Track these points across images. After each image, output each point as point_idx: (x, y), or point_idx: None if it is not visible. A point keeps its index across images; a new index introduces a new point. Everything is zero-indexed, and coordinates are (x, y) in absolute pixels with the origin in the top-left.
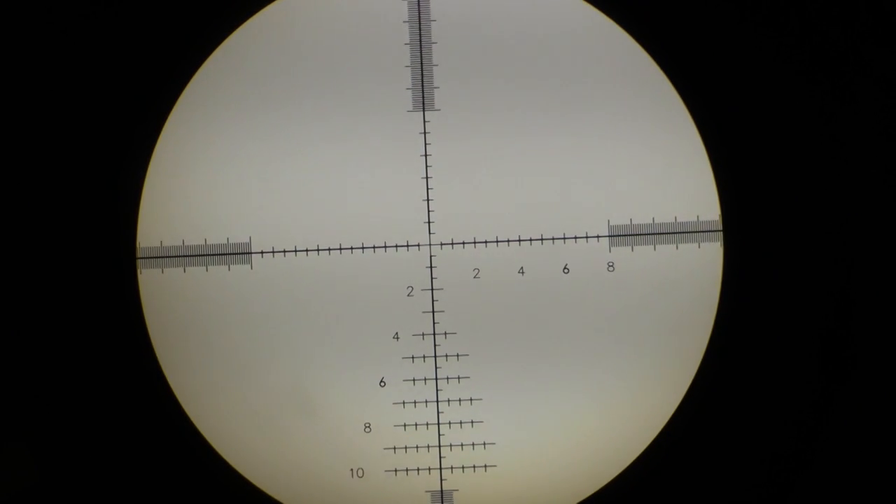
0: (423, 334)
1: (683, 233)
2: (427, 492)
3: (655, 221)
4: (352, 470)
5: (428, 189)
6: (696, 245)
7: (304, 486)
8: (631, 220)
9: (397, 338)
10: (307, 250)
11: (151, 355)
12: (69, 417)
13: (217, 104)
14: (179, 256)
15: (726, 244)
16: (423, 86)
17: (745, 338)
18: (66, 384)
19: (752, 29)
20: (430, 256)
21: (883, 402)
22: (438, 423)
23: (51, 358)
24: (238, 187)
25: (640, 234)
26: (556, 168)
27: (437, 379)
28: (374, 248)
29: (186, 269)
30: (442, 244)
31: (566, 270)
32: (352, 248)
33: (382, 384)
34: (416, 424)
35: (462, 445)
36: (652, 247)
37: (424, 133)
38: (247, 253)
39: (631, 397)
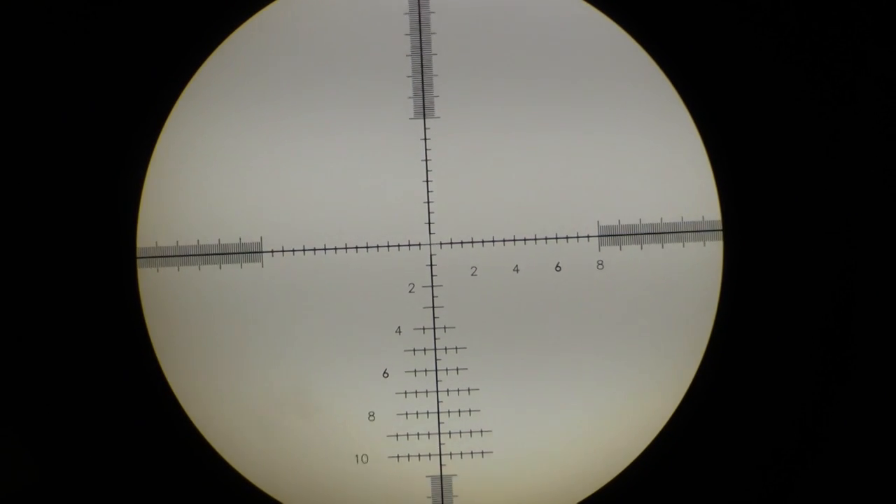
0: (423, 328)
1: (683, 232)
2: (427, 476)
3: (655, 221)
4: (356, 456)
5: (428, 192)
6: (696, 245)
7: (306, 483)
8: (630, 220)
9: (399, 332)
10: (315, 249)
11: (151, 355)
12: (69, 417)
13: (217, 104)
14: (179, 256)
15: (726, 244)
16: (423, 95)
17: (745, 338)
18: (66, 384)
19: (752, 29)
20: (431, 255)
21: (883, 402)
22: (438, 412)
23: (51, 358)
24: (239, 187)
25: (640, 234)
26: (555, 169)
27: (436, 370)
28: (377, 247)
29: (186, 268)
30: (441, 244)
31: (558, 268)
32: (357, 248)
33: (386, 375)
34: (417, 413)
35: (460, 433)
36: (650, 246)
37: (425, 139)
38: (254, 252)
39: (630, 397)
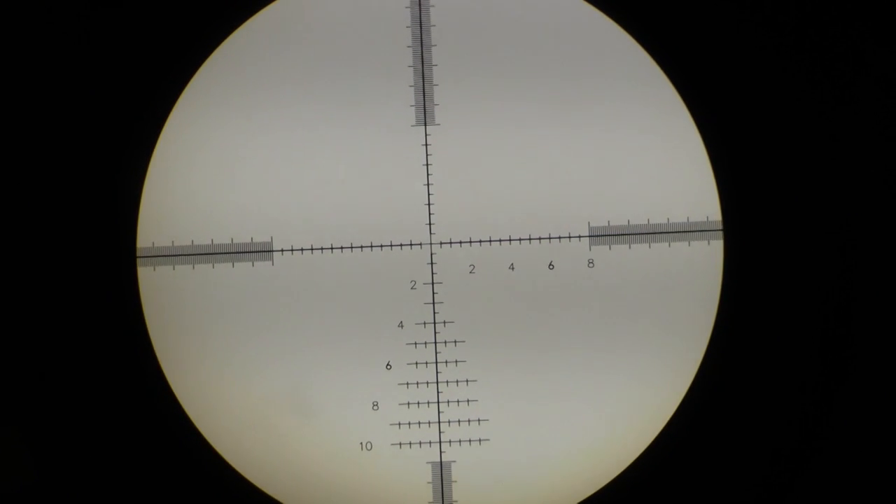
0: (424, 323)
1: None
2: (428, 463)
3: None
4: (361, 443)
5: (429, 195)
6: (696, 244)
7: (309, 474)
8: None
9: (402, 326)
10: (322, 248)
11: (151, 355)
12: (69, 417)
13: (217, 104)
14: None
15: (727, 244)
16: (424, 103)
17: (745, 338)
18: (66, 384)
19: (752, 29)
20: (431, 254)
21: (883, 402)
22: (438, 402)
23: (51, 358)
24: (239, 187)
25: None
26: (554, 170)
27: (437, 362)
28: (381, 246)
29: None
30: (441, 243)
31: (551, 266)
32: (361, 247)
33: (388, 367)
34: (418, 403)
35: (459, 422)
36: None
37: (426, 145)
38: (264, 251)
39: (630, 397)
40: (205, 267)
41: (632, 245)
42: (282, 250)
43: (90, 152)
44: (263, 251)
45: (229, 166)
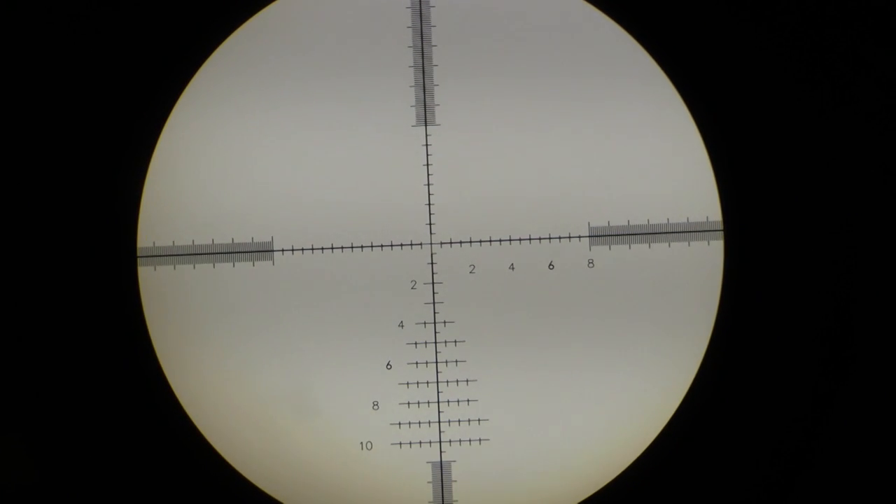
0: (424, 323)
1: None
2: (428, 462)
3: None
4: (361, 443)
5: (429, 195)
6: (696, 245)
7: (309, 474)
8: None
9: (402, 326)
10: (322, 248)
11: (151, 355)
12: (69, 417)
13: (218, 104)
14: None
15: (727, 244)
16: (424, 103)
17: (745, 338)
18: (66, 384)
19: (752, 29)
20: (431, 254)
21: (883, 402)
22: (438, 402)
23: (51, 358)
24: (240, 187)
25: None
26: (553, 170)
27: (437, 362)
28: (381, 246)
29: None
30: (441, 243)
31: (551, 267)
32: (361, 247)
33: (389, 367)
34: (418, 402)
35: (459, 421)
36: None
37: (426, 146)
38: (264, 251)
39: (630, 397)
40: (205, 267)
41: (632, 245)
42: (282, 250)
43: (90, 152)
44: (264, 251)
45: (230, 166)
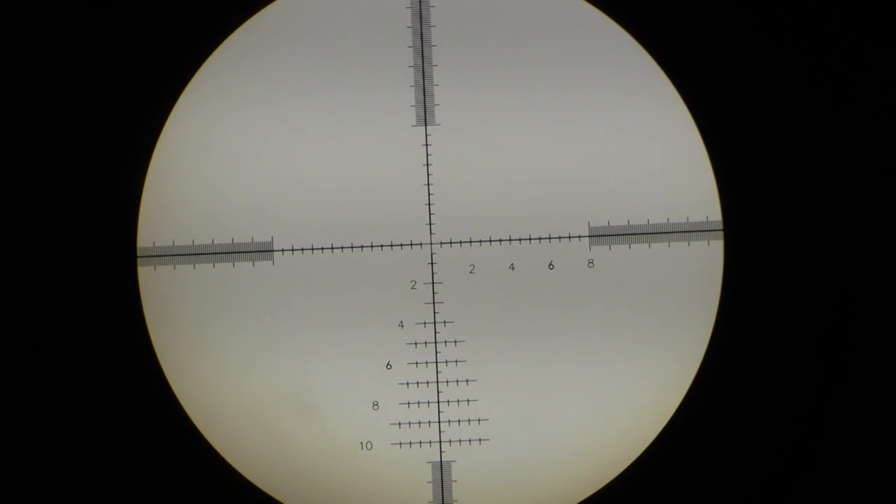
0: (424, 323)
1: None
2: (428, 462)
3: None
4: (361, 443)
5: (429, 195)
6: (695, 244)
7: (309, 474)
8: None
9: (402, 326)
10: (322, 248)
11: (151, 355)
12: (69, 417)
13: (217, 104)
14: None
15: (727, 244)
16: (424, 103)
17: (745, 338)
18: (66, 384)
19: (752, 29)
20: (431, 254)
21: (883, 402)
22: (438, 402)
23: (51, 358)
24: (240, 187)
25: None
26: (553, 170)
27: (437, 362)
28: (381, 246)
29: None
30: (441, 243)
31: (551, 266)
32: (362, 247)
33: (389, 367)
34: (418, 402)
35: (459, 421)
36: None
37: (426, 145)
38: (265, 251)
39: (630, 397)
40: (205, 266)
41: (632, 245)
42: (282, 250)
43: (90, 152)
44: (264, 251)
45: (229, 166)
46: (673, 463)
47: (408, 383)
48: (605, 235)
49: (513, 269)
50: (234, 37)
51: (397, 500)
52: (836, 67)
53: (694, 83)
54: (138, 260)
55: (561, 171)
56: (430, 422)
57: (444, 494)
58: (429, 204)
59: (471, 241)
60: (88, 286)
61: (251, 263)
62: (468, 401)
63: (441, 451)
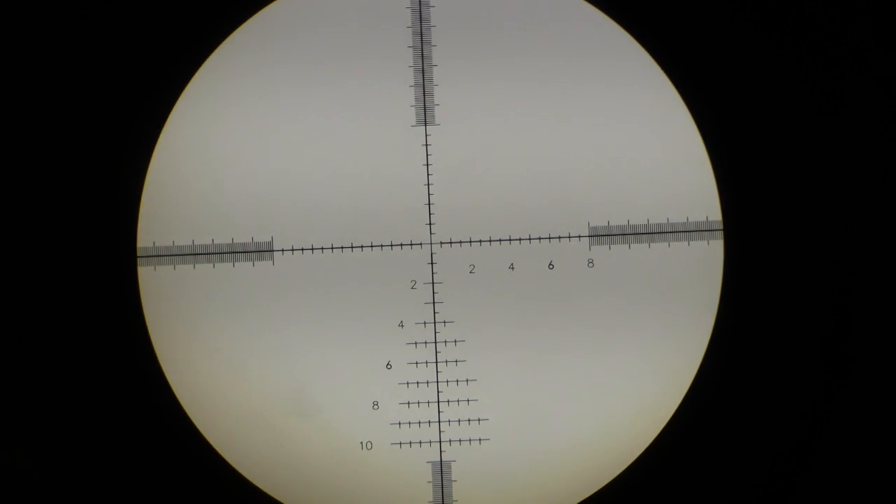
0: (424, 323)
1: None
2: (428, 462)
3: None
4: (361, 443)
5: (429, 195)
6: (696, 244)
7: (309, 475)
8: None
9: (402, 326)
10: (322, 248)
11: (151, 355)
12: (69, 417)
13: (217, 104)
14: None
15: (727, 244)
16: (424, 103)
17: (745, 338)
18: (66, 384)
19: (752, 29)
20: (431, 254)
21: (883, 402)
22: (438, 402)
23: (50, 358)
24: (239, 187)
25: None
26: (553, 170)
27: (437, 362)
28: (381, 246)
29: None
30: (441, 243)
31: (551, 266)
32: (361, 247)
33: (389, 367)
34: (418, 402)
35: (459, 421)
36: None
37: (426, 145)
38: (264, 251)
39: (630, 397)
40: (205, 266)
41: (631, 245)
42: (282, 250)
43: (90, 152)
44: (264, 251)
45: (229, 166)
46: (673, 463)
47: (408, 383)
48: (605, 235)
49: (513, 268)
50: (234, 37)
51: (397, 499)
52: (836, 67)
53: (694, 83)
54: (141, 260)
55: (560, 171)
56: (429, 422)
57: (444, 494)
58: (429, 204)
59: (471, 241)
60: (88, 286)
61: (251, 263)
62: (468, 401)
63: (441, 451)
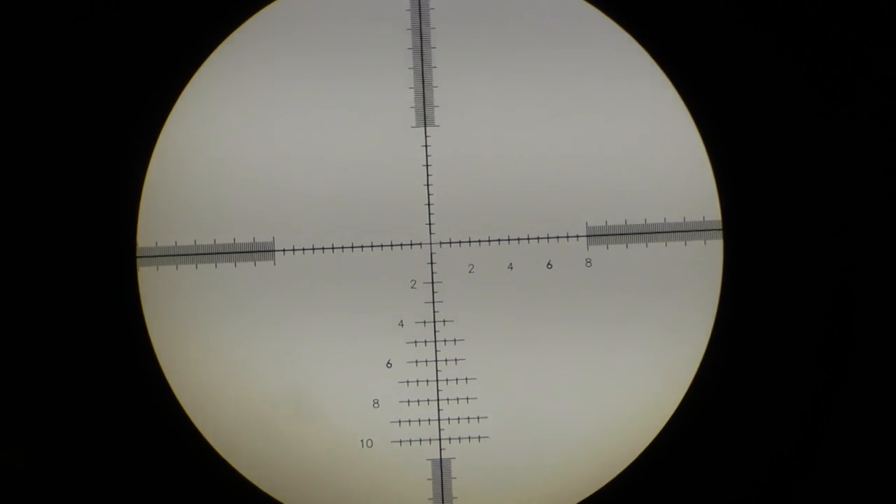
0: (424, 322)
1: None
2: (428, 460)
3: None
4: (362, 441)
5: (429, 195)
6: (693, 244)
7: (309, 473)
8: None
9: (402, 325)
10: (323, 248)
11: (151, 355)
12: (69, 417)
13: (217, 104)
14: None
15: (726, 244)
16: (424, 105)
17: (745, 337)
18: (66, 384)
19: (752, 29)
20: (431, 254)
21: (883, 402)
22: (438, 400)
23: (50, 357)
24: (242, 188)
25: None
26: (552, 170)
27: (436, 361)
28: (381, 246)
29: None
30: (441, 243)
31: (549, 266)
32: (362, 247)
33: (389, 365)
34: (418, 401)
35: (458, 419)
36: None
37: (426, 146)
38: (266, 251)
39: (629, 397)
40: (207, 266)
41: (629, 245)
42: (283, 250)
43: (90, 152)
44: (266, 251)
45: (229, 167)
46: (673, 463)
47: (408, 381)
48: (602, 235)
49: (511, 268)
50: (234, 37)
51: (398, 496)
52: (836, 67)
53: (694, 83)
54: (141, 260)
55: (559, 171)
56: (429, 419)
57: (444, 491)
58: (428, 204)
59: (470, 241)
60: (88, 286)
61: (253, 263)
62: (467, 399)
63: (441, 449)
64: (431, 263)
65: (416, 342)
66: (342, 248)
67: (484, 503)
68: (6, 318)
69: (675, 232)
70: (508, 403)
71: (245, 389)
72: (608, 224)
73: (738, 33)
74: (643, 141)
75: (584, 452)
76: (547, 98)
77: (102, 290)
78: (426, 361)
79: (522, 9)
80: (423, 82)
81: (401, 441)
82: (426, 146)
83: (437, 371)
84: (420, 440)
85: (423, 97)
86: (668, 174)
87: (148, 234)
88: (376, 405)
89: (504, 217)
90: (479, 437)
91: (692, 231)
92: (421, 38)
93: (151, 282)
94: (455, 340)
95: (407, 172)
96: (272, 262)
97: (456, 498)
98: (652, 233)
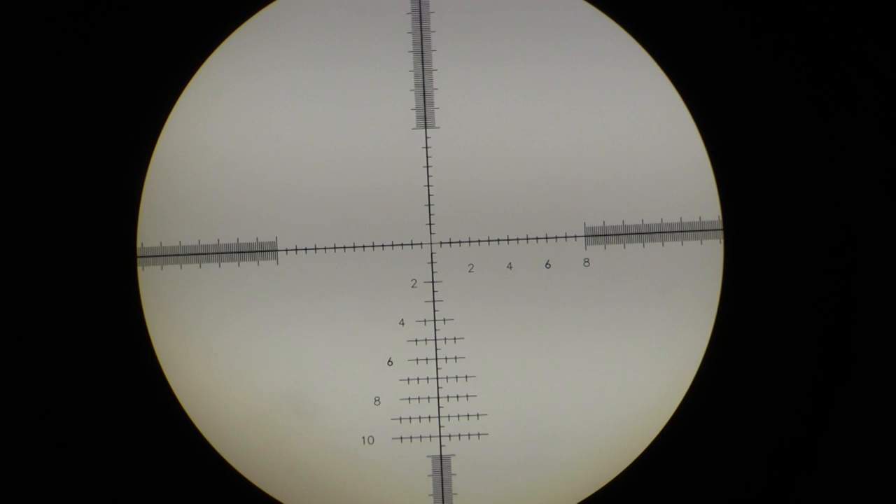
0: (425, 320)
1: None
2: (428, 456)
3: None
4: (363, 437)
5: (429, 196)
6: (689, 244)
7: (310, 470)
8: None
9: (403, 323)
10: (325, 248)
11: (151, 355)
12: (69, 417)
13: (217, 104)
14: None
15: (726, 244)
16: (424, 107)
17: (745, 337)
18: (67, 383)
19: (752, 29)
20: (431, 254)
21: (883, 402)
22: (438, 397)
23: (51, 358)
24: (245, 188)
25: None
26: (551, 171)
27: (437, 359)
28: (382, 246)
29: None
30: (441, 243)
31: (548, 266)
32: (363, 247)
33: (390, 363)
34: (418, 398)
35: (458, 416)
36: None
37: (426, 148)
38: (269, 251)
39: (629, 396)
40: (211, 266)
41: (627, 245)
42: (286, 250)
43: (90, 152)
44: (268, 251)
45: (229, 167)
46: (673, 463)
47: (408, 379)
48: (600, 235)
49: (510, 268)
50: (234, 37)
51: (398, 493)
52: (836, 67)
53: (694, 83)
54: (142, 260)
55: (558, 172)
56: (430, 417)
57: (444, 488)
58: (429, 205)
59: (470, 241)
60: (89, 286)
61: (256, 263)
62: (467, 396)
63: (441, 446)
64: (432, 263)
65: (416, 340)
66: (344, 247)
67: (484, 499)
68: (7, 318)
69: (672, 232)
70: (507, 401)
71: (246, 389)
72: (606, 224)
73: (738, 33)
74: (643, 141)
75: (584, 452)
76: (545, 100)
77: (103, 289)
78: (426, 359)
79: (522, 12)
80: (424, 84)
81: (401, 438)
82: (426, 147)
83: (437, 369)
84: (420, 437)
85: (424, 99)
86: (667, 174)
87: (150, 234)
88: (377, 402)
89: (503, 217)
90: (479, 435)
91: (690, 231)
92: (421, 41)
93: (153, 281)
94: (455, 339)
95: (408, 173)
96: (275, 261)
97: (456, 494)
98: (649, 233)
